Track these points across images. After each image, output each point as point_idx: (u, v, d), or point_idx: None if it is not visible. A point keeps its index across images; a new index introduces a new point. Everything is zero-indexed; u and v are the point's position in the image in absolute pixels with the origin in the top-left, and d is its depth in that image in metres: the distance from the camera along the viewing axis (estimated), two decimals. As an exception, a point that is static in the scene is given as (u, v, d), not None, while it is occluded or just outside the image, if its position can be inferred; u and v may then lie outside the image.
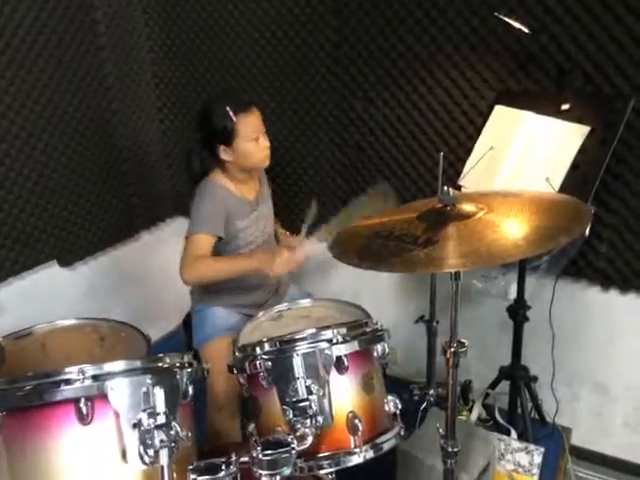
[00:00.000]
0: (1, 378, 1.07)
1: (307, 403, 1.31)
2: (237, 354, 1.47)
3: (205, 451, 1.27)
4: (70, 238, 2.58)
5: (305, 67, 2.54)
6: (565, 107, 1.89)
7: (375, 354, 1.45)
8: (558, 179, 1.81)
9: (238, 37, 2.64)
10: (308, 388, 1.32)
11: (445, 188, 1.44)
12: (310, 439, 1.27)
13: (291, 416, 1.31)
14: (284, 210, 2.59)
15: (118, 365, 1.09)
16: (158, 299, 2.91)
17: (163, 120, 2.98)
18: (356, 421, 1.34)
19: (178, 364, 1.18)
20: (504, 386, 2.29)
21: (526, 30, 1.94)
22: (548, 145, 1.88)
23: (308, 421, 1.30)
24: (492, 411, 2.35)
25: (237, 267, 1.97)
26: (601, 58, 1.97)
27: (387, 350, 1.47)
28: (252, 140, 1.95)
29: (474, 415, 2.34)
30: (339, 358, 1.35)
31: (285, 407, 1.33)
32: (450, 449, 1.51)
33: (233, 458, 1.12)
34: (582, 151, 1.81)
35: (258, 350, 1.39)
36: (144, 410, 1.07)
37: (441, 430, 1.53)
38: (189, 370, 1.19)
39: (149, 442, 1.05)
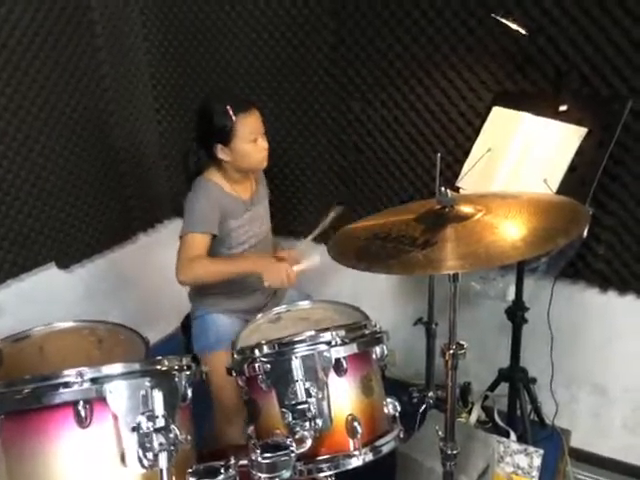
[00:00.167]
0: (-1, 381, 1.07)
1: (306, 406, 1.31)
2: (236, 357, 1.46)
3: (204, 454, 1.26)
4: (67, 240, 2.57)
5: (302, 68, 2.54)
6: (563, 108, 1.89)
7: (374, 356, 1.45)
8: (556, 180, 1.81)
9: (235, 38, 2.64)
10: (307, 391, 1.32)
11: (443, 189, 1.44)
12: (309, 442, 1.27)
13: (290, 419, 1.31)
14: (281, 211, 2.59)
15: (116, 368, 1.09)
16: (156, 301, 2.90)
17: (160, 121, 2.98)
18: (355, 424, 1.33)
19: (177, 367, 1.18)
20: (503, 388, 2.29)
21: (523, 31, 1.94)
22: (546, 146, 1.88)
23: (307, 424, 1.30)
24: (491, 413, 2.35)
25: (233, 269, 1.95)
26: (598, 60, 1.97)
27: (386, 352, 1.47)
28: (250, 141, 1.95)
29: (473, 417, 2.33)
30: (338, 360, 1.35)
31: (284, 410, 1.33)
32: (449, 451, 1.51)
33: (232, 461, 1.12)
34: (580, 153, 1.81)
35: (257, 352, 1.38)
36: (143, 413, 1.07)
37: (440, 432, 1.52)
38: (188, 373, 1.19)
39: (148, 445, 1.05)
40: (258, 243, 2.12)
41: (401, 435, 1.45)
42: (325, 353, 1.34)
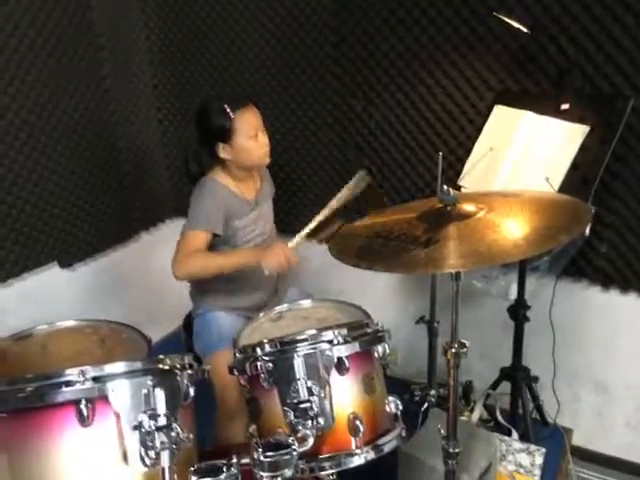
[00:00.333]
0: (2, 380, 1.07)
1: (308, 404, 1.31)
2: (237, 355, 1.46)
3: (206, 453, 1.26)
4: (69, 239, 2.57)
5: (304, 67, 2.54)
6: (565, 107, 1.89)
7: (376, 355, 1.45)
8: (558, 179, 1.81)
9: (237, 37, 2.64)
10: (309, 389, 1.32)
11: (445, 188, 1.44)
12: (311, 440, 1.26)
13: (292, 417, 1.31)
14: (282, 210, 2.59)
15: (119, 366, 1.09)
16: (158, 300, 2.90)
17: (162, 121, 2.98)
18: (357, 422, 1.33)
19: (179, 365, 1.17)
20: (505, 386, 2.29)
21: (525, 30, 1.93)
22: (548, 145, 1.88)
23: (309, 422, 1.29)
24: (493, 412, 2.34)
25: (229, 262, 1.94)
26: (600, 58, 1.97)
27: (388, 351, 1.47)
28: (251, 137, 1.95)
29: (475, 416, 2.33)
30: (340, 359, 1.35)
31: (286, 408, 1.33)
32: (451, 450, 1.51)
33: (234, 460, 1.12)
34: (582, 151, 1.81)
35: (259, 351, 1.38)
36: (145, 412, 1.07)
37: (442, 431, 1.52)
38: (190, 372, 1.19)
39: (150, 444, 1.05)
40: (263, 242, 2.11)
41: (403, 434, 1.45)
42: (327, 352, 1.34)
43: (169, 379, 1.14)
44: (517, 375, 2.21)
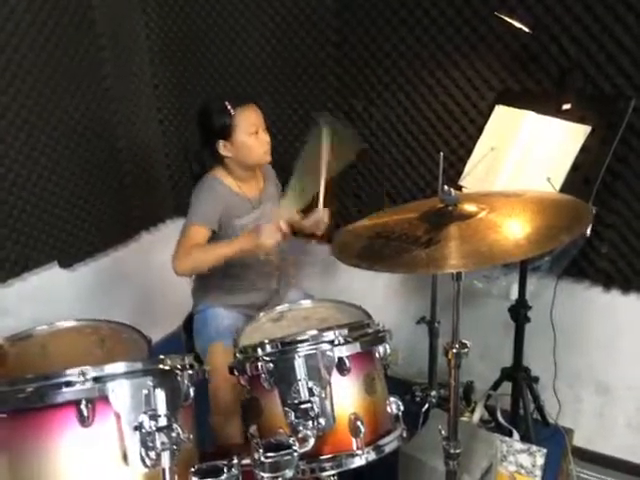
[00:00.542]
0: (2, 380, 1.07)
1: (309, 405, 1.31)
2: (238, 355, 1.46)
3: (207, 453, 1.26)
4: (70, 239, 2.57)
5: (305, 67, 2.54)
6: (566, 107, 1.88)
7: (377, 355, 1.45)
8: (559, 179, 1.81)
9: (238, 36, 2.64)
10: (310, 390, 1.32)
11: (446, 188, 1.44)
12: (312, 441, 1.26)
13: (293, 418, 1.31)
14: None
15: (119, 367, 1.09)
16: (158, 300, 2.90)
17: (162, 120, 2.98)
18: (358, 423, 1.33)
19: (179, 366, 1.17)
20: (506, 387, 2.28)
21: (526, 29, 1.93)
22: (549, 145, 1.87)
23: (310, 423, 1.29)
24: (494, 412, 2.34)
25: (225, 250, 1.91)
26: (602, 58, 1.97)
27: (389, 351, 1.46)
28: (251, 134, 1.96)
29: (476, 416, 2.33)
30: (341, 359, 1.34)
31: (287, 409, 1.33)
32: (452, 450, 1.51)
33: (235, 460, 1.12)
34: (583, 151, 1.80)
35: (259, 351, 1.38)
36: (145, 412, 1.07)
37: (443, 431, 1.52)
38: (190, 372, 1.19)
39: (150, 444, 1.05)
40: None
41: (404, 434, 1.44)
42: (328, 352, 1.34)
43: (169, 379, 1.14)
44: (518, 375, 2.21)
